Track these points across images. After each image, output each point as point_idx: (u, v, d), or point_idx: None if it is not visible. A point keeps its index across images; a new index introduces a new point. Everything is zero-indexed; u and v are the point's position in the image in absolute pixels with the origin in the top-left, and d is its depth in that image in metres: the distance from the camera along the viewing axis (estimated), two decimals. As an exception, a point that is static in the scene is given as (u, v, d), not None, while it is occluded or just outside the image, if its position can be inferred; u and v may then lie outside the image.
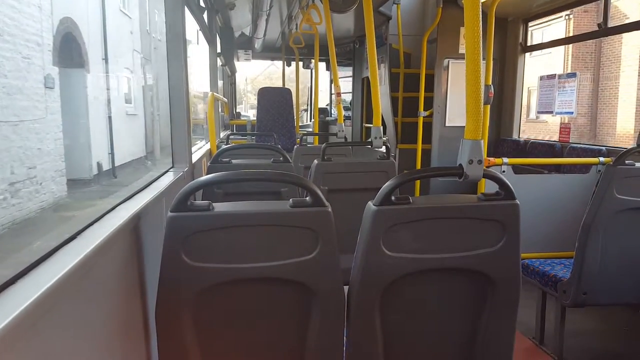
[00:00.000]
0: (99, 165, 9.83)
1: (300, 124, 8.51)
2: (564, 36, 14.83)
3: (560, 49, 16.11)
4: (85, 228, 1.33)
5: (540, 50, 12.12)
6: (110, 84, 11.04)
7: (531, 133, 16.64)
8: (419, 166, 5.38)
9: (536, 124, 17.05)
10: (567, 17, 15.42)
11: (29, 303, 0.84)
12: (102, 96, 10.55)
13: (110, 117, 10.80)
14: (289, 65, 9.49)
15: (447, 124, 5.30)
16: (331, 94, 11.66)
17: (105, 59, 10.76)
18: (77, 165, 8.80)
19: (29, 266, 1.02)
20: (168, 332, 1.43)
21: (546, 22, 13.73)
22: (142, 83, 14.35)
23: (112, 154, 10.64)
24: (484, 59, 3.92)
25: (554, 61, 15.87)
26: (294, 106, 7.80)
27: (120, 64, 12.45)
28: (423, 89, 5.28)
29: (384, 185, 1.50)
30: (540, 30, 14.45)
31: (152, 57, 15.09)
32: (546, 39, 13.51)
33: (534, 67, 13.69)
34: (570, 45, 16.13)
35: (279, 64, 10.35)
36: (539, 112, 5.13)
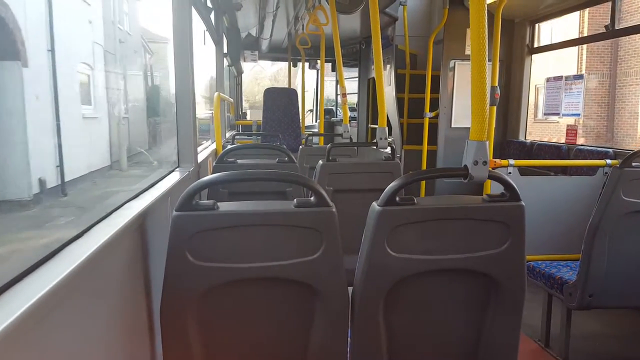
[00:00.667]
0: (42, 182, 7.61)
1: (305, 124, 8.52)
2: (577, 27, 13.91)
3: (574, 42, 14.78)
4: (91, 226, 1.34)
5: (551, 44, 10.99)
6: (60, 82, 8.92)
7: (542, 135, 15.57)
8: (424, 167, 5.37)
9: (547, 125, 15.67)
10: (582, 6, 14.23)
11: (35, 300, 0.84)
12: (47, 96, 8.54)
13: (58, 122, 8.67)
14: (294, 66, 9.50)
15: (453, 125, 5.29)
16: (337, 94, 11.67)
17: (52, 51, 8.62)
18: (8, 184, 6.92)
19: (35, 264, 1.03)
20: (172, 331, 1.44)
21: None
22: (106, 81, 12.09)
23: (60, 166, 8.30)
24: (490, 60, 3.91)
25: (568, 55, 14.35)
26: (300, 107, 7.82)
27: (75, 58, 10.24)
28: (429, 90, 5.27)
29: (388, 186, 1.50)
30: (550, 23, 13.33)
31: (118, 52, 12.93)
32: (556, 31, 12.64)
33: (546, 61, 12.67)
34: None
35: (263, 63, 10.14)
36: (545, 114, 5.11)
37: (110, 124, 11.86)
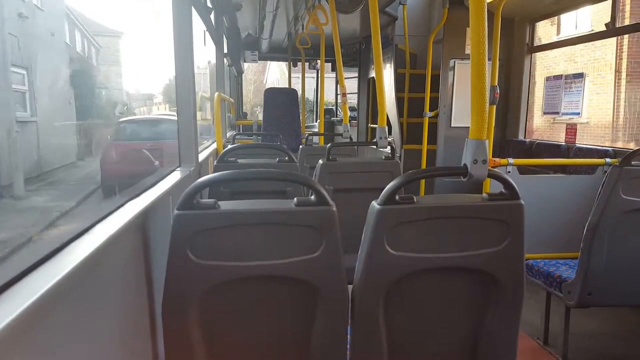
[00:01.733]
0: None
1: (305, 124, 8.53)
2: (608, 13, 12.99)
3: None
4: (92, 225, 1.34)
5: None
6: None
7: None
8: (424, 166, 5.37)
9: (562, 127, 12.76)
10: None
11: (36, 298, 0.85)
12: None
13: None
14: (294, 65, 9.50)
15: (452, 125, 5.30)
16: (337, 94, 11.68)
17: None
18: None
19: (36, 262, 1.04)
20: (174, 329, 1.45)
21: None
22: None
23: None
24: (489, 59, 3.92)
25: (604, 42, 11.16)
26: (300, 106, 7.83)
27: None
28: (429, 90, 5.28)
29: (388, 185, 1.51)
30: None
31: (15, 30, 7.72)
32: (583, 18, 10.81)
33: (576, 50, 11.20)
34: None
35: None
36: (545, 113, 5.12)
37: (-3, 132, 7.58)
